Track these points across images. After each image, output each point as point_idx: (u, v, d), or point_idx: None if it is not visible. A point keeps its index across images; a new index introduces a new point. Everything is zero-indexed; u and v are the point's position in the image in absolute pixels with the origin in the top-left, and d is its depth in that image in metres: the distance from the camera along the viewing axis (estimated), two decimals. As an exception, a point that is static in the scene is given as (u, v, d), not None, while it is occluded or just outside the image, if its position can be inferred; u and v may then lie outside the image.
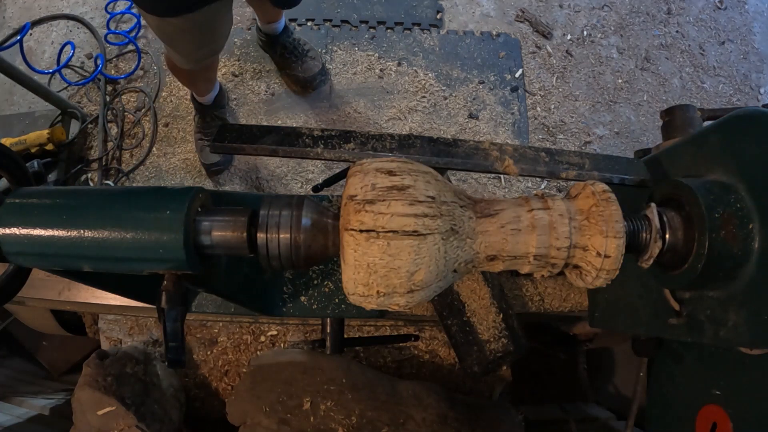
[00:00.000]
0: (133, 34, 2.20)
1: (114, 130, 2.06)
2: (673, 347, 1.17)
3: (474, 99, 2.16)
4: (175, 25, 1.27)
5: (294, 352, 1.70)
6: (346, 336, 1.24)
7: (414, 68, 2.19)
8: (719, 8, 2.45)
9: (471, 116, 2.13)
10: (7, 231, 0.71)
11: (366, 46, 2.22)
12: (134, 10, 2.22)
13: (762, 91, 2.34)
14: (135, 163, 2.01)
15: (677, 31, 2.38)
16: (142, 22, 2.23)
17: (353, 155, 0.94)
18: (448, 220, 0.68)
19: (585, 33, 2.32)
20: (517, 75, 2.21)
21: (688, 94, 2.29)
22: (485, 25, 2.30)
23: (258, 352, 1.85)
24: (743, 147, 0.84)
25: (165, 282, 0.75)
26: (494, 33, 2.28)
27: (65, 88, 2.11)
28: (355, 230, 0.65)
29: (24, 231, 0.71)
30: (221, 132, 0.98)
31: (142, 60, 2.16)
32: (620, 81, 2.26)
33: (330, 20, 2.25)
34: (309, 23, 2.25)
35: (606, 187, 0.74)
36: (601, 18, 2.36)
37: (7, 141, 1.88)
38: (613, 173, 1.00)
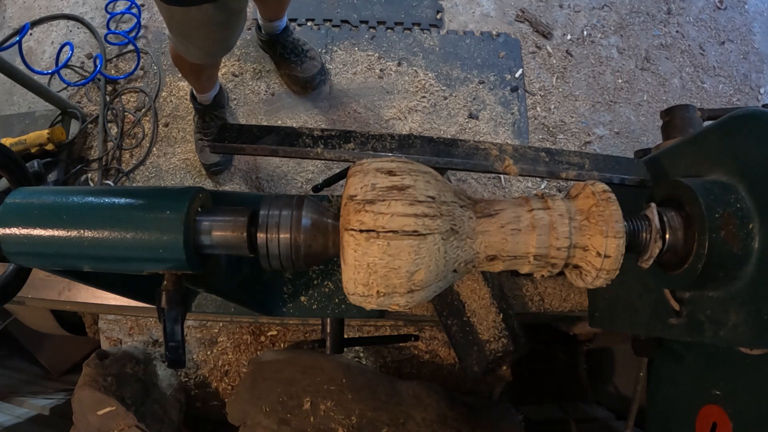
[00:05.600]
0: (132, 34, 2.20)
1: (114, 130, 2.06)
2: (673, 347, 1.17)
3: (474, 99, 2.16)
4: (195, 17, 1.26)
5: (294, 352, 1.70)
6: (346, 336, 1.24)
7: (414, 68, 2.19)
8: (719, 8, 2.45)
9: (471, 116, 2.13)
10: (7, 231, 0.71)
11: (366, 46, 2.22)
12: (134, 11, 2.22)
13: (762, 91, 2.34)
14: (135, 163, 2.01)
15: (677, 31, 2.38)
16: (142, 22, 2.23)
17: (353, 155, 0.94)
18: (448, 220, 0.68)
19: (585, 33, 2.32)
20: (517, 75, 2.21)
21: (688, 94, 2.29)
22: (485, 25, 2.30)
23: (258, 352, 1.85)
24: (743, 147, 0.84)
25: (165, 282, 0.75)
26: (494, 33, 2.28)
27: (65, 88, 2.11)
28: (355, 230, 0.65)
29: (24, 231, 0.71)
30: (221, 132, 0.98)
31: (141, 60, 2.16)
32: (620, 81, 2.26)
33: (330, 20, 2.25)
34: (309, 23, 2.25)
35: (606, 187, 0.74)
36: (601, 18, 2.36)
37: (7, 141, 1.88)
38: (613, 173, 1.00)
